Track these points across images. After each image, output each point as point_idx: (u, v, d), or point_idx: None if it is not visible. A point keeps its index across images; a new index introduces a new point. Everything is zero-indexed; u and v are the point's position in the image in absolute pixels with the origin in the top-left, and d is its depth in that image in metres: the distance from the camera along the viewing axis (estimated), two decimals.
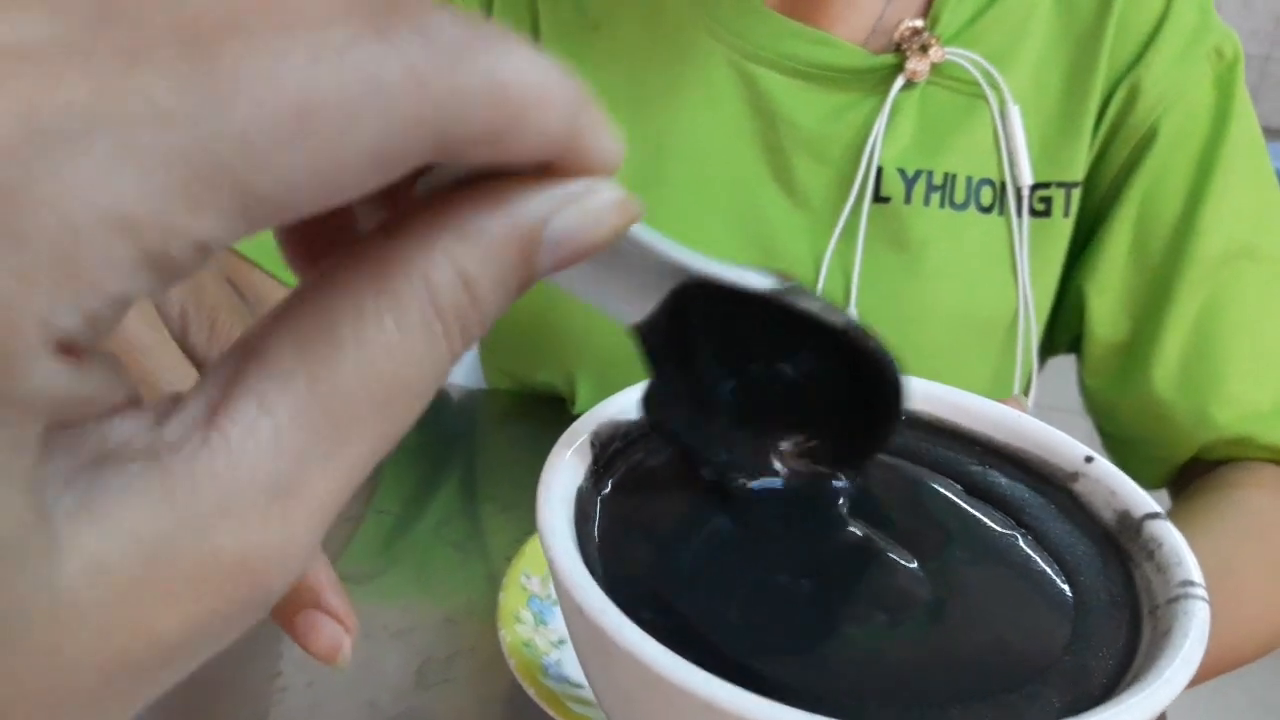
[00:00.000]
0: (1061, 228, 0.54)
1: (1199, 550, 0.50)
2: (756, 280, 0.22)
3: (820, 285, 0.53)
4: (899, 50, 0.52)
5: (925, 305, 0.53)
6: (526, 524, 0.49)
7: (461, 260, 0.13)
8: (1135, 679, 0.22)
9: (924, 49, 0.51)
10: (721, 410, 0.26)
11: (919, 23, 0.52)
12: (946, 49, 0.51)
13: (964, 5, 0.52)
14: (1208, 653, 0.47)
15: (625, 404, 0.28)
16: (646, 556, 0.25)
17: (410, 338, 0.13)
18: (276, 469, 0.12)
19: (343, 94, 0.11)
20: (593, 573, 0.22)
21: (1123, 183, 0.54)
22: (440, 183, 0.15)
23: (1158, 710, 0.21)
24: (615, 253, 0.20)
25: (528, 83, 0.13)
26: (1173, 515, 0.49)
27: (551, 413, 0.61)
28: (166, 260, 0.11)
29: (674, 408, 0.25)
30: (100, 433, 0.12)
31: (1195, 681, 0.48)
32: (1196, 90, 0.53)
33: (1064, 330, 0.58)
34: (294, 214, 0.12)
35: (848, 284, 0.53)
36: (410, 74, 0.12)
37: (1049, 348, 0.60)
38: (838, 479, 0.27)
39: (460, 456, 0.60)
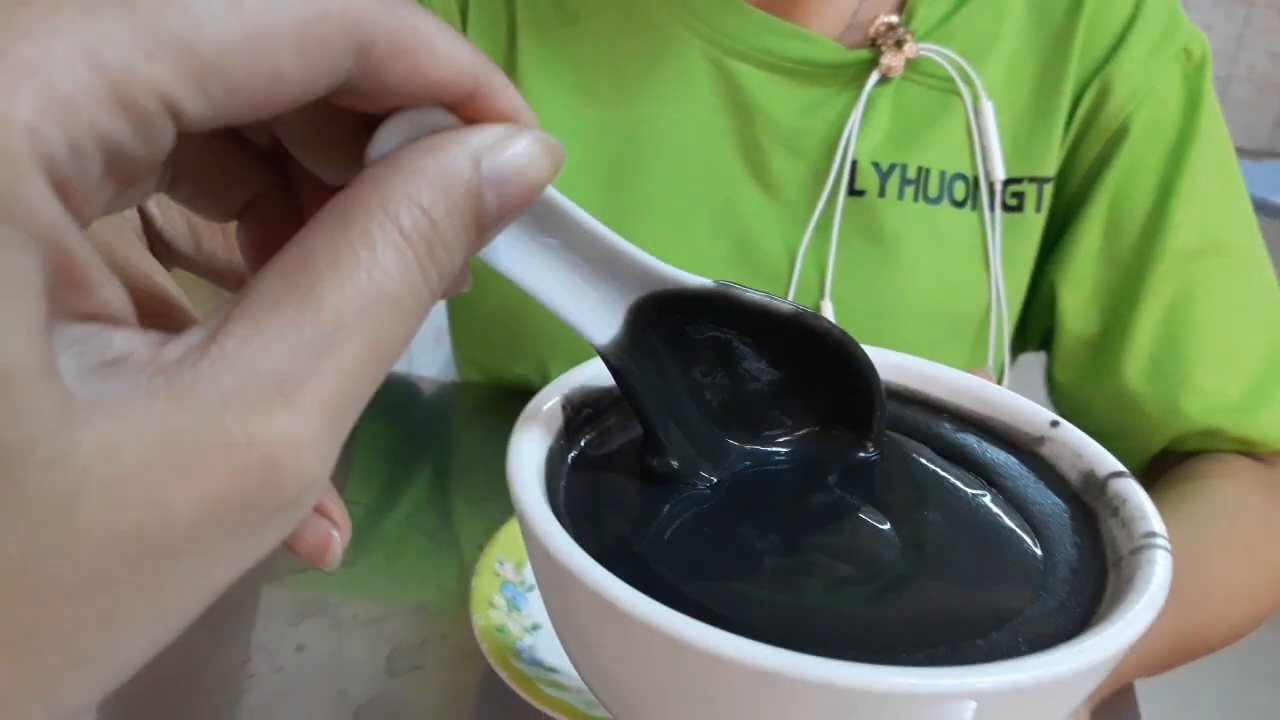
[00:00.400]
0: (1034, 222, 0.54)
1: (1172, 540, 0.50)
2: (697, 282, 0.23)
3: (795, 277, 0.53)
4: (874, 45, 0.52)
5: (899, 298, 0.53)
6: (499, 514, 0.49)
7: (414, 194, 0.15)
8: (1099, 623, 0.22)
9: (899, 44, 0.52)
10: (703, 420, 0.26)
11: (894, 18, 0.52)
12: (921, 45, 0.52)
13: (939, 2, 0.53)
14: (1179, 638, 0.47)
15: (597, 370, 0.28)
16: (615, 510, 0.25)
17: (383, 258, 0.15)
18: (275, 369, 0.13)
19: None
20: (561, 523, 0.22)
21: (1094, 179, 0.54)
22: (386, 151, 0.17)
23: (1121, 648, 0.21)
24: (573, 249, 0.22)
25: (435, 20, 0.16)
26: None
27: (523, 407, 0.61)
28: (135, 107, 0.12)
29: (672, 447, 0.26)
30: (104, 341, 0.13)
31: (1168, 668, 0.48)
32: (1166, 88, 0.53)
33: (1035, 324, 0.58)
34: (240, 96, 0.13)
35: (822, 277, 0.53)
36: None
37: (1020, 343, 0.60)
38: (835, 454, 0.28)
39: (432, 450, 0.59)
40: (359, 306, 0.14)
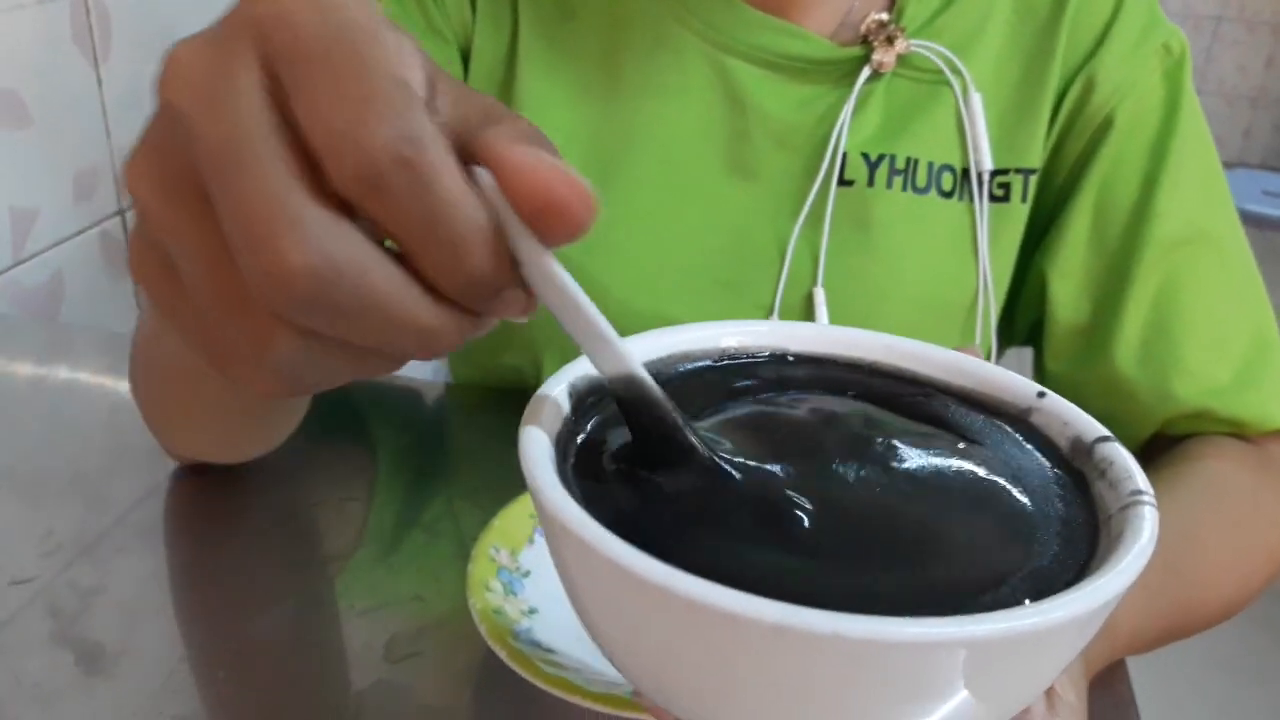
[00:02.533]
0: (1019, 213, 0.55)
1: (1164, 518, 0.51)
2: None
3: (786, 266, 0.54)
4: (866, 42, 0.53)
5: (888, 285, 0.54)
6: (494, 506, 0.49)
7: None
8: (1092, 574, 0.22)
9: (890, 41, 0.53)
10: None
11: (885, 15, 0.53)
12: (911, 41, 0.53)
13: (927, 0, 0.54)
14: (1173, 614, 0.47)
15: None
16: (624, 485, 0.25)
17: None
18: None
19: None
20: (573, 498, 0.22)
21: (1081, 171, 0.55)
22: None
23: (1112, 595, 0.21)
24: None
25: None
26: None
27: (516, 405, 0.61)
28: None
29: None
30: None
31: (1162, 643, 0.48)
32: (1148, 83, 0.54)
33: (1024, 316, 0.59)
34: None
35: (814, 266, 0.54)
36: None
37: (1008, 334, 0.61)
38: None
39: (428, 449, 0.59)
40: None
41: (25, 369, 0.67)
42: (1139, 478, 0.26)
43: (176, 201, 0.19)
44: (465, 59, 0.55)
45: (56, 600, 0.45)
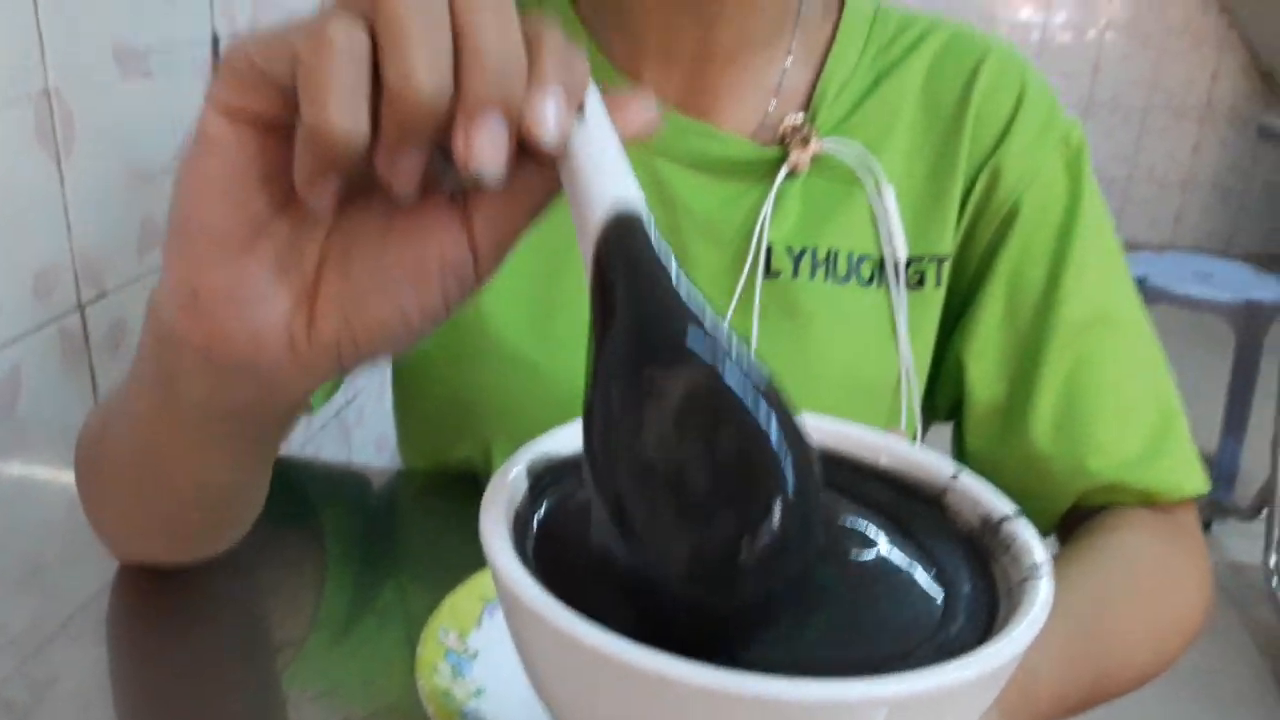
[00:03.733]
0: (935, 297, 0.59)
1: (1081, 588, 0.53)
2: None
3: None
4: (783, 144, 0.57)
5: (817, 369, 0.57)
6: (445, 591, 0.51)
7: None
8: (990, 641, 0.25)
9: (805, 142, 0.57)
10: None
11: (800, 118, 0.58)
12: (825, 140, 0.57)
13: (840, 102, 0.59)
14: (1092, 681, 0.50)
15: (558, 440, 0.32)
16: (576, 561, 0.28)
17: None
18: None
19: None
20: (529, 573, 0.24)
21: (991, 257, 0.59)
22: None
23: (1006, 660, 0.24)
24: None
25: None
26: (1058, 559, 0.53)
27: (466, 491, 0.63)
28: None
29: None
30: None
31: (1084, 709, 0.50)
32: (1050, 173, 0.59)
33: (944, 396, 0.63)
34: None
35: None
36: None
37: (931, 413, 0.64)
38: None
39: (378, 534, 0.61)
40: None
41: None
42: (1038, 553, 0.28)
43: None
44: None
45: (9, 694, 0.46)
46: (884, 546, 0.30)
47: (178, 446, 0.39)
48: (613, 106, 0.29)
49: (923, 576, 0.29)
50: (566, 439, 0.32)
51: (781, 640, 0.26)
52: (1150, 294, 2.23)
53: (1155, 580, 0.54)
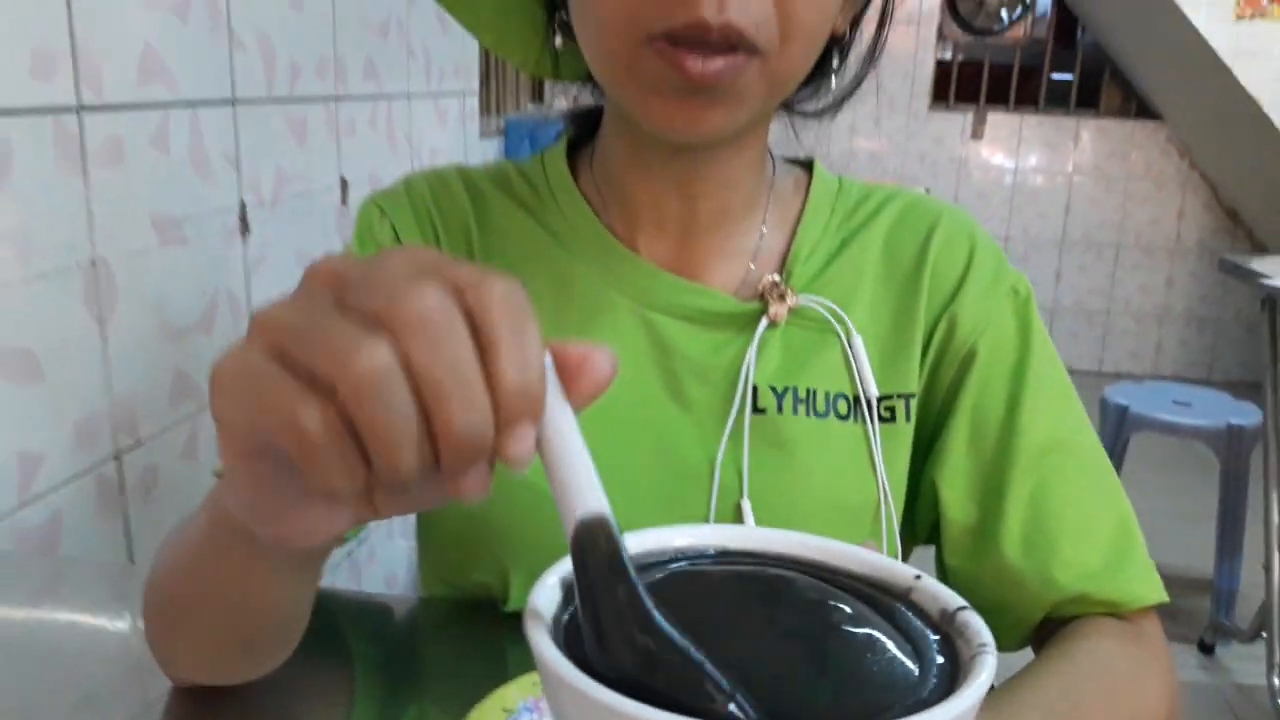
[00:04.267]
0: (905, 430, 0.66)
1: (1052, 687, 0.59)
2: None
3: (716, 480, 0.63)
4: (763, 299, 0.65)
5: (802, 496, 0.63)
6: (466, 711, 0.55)
7: None
8: (944, 702, 0.31)
9: (782, 297, 0.65)
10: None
11: (777, 277, 0.66)
12: (800, 296, 0.65)
13: (811, 262, 0.67)
14: None
15: None
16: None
17: None
18: None
19: None
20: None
21: (955, 395, 0.66)
22: None
23: (962, 711, 0.30)
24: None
25: None
26: (1032, 665, 0.58)
27: (483, 617, 0.68)
28: None
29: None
30: None
31: None
32: (1001, 319, 0.66)
33: (924, 518, 0.68)
34: None
35: (740, 480, 0.63)
36: None
37: (911, 535, 0.70)
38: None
39: (400, 661, 0.65)
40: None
41: (23, 599, 0.72)
42: (984, 635, 0.34)
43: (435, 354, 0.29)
44: None
45: None
46: (869, 625, 0.36)
47: (256, 576, 0.45)
48: (566, 378, 0.34)
49: (895, 654, 0.35)
50: None
51: (785, 696, 0.31)
52: (1133, 422, 2.31)
53: (1122, 682, 0.59)
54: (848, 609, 0.37)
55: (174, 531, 0.54)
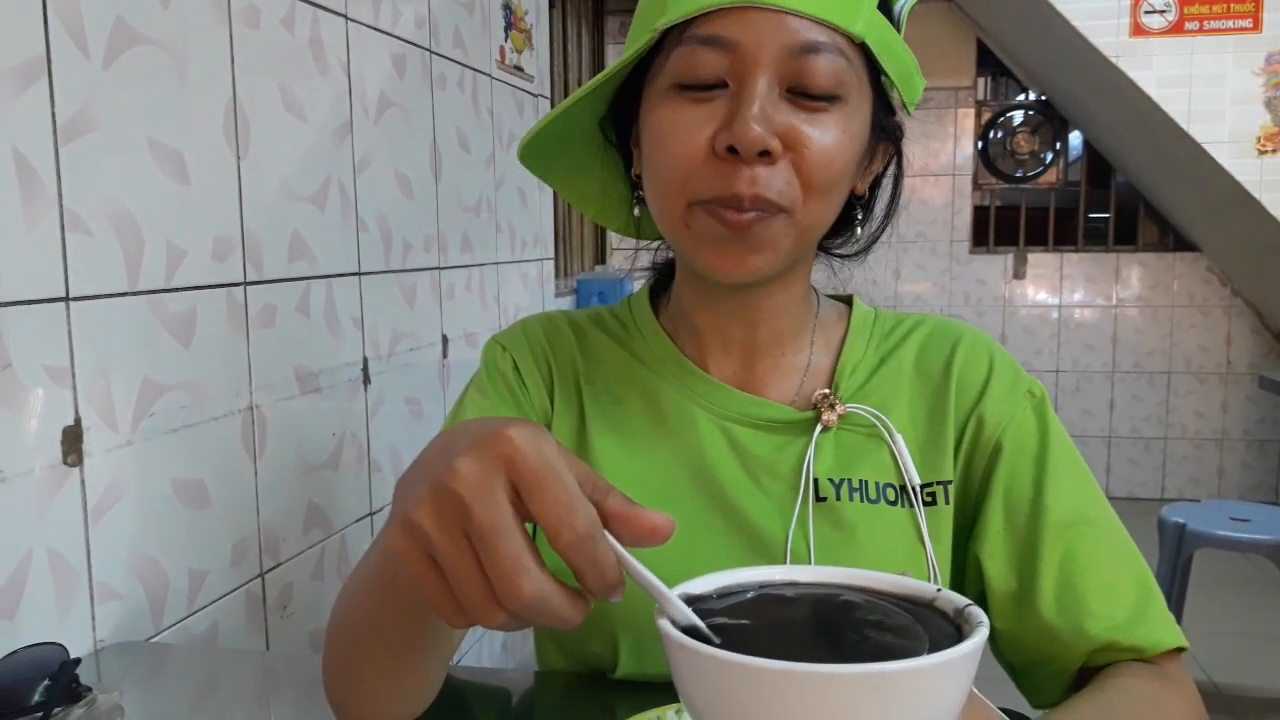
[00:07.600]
0: (946, 512, 0.78)
1: (1087, 714, 0.70)
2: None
3: (788, 559, 0.76)
4: (815, 408, 0.80)
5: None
6: None
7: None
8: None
9: (832, 406, 0.79)
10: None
11: (826, 390, 0.80)
12: (847, 404, 0.79)
13: (855, 377, 0.81)
14: None
15: (695, 585, 0.51)
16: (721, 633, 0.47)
17: None
18: None
19: None
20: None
21: (988, 482, 0.79)
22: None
23: (966, 653, 0.42)
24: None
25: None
26: (1071, 703, 0.68)
27: (593, 688, 0.80)
28: None
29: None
30: None
31: None
32: (1022, 417, 0.80)
33: (971, 589, 0.79)
34: None
35: (808, 554, 0.76)
36: None
37: None
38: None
39: None
40: None
41: (192, 684, 0.86)
42: (980, 617, 0.47)
43: (451, 537, 0.44)
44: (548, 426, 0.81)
45: None
46: (902, 621, 0.49)
47: (418, 632, 0.60)
48: (628, 535, 0.47)
49: (924, 633, 0.47)
50: (699, 584, 0.52)
51: (838, 657, 0.43)
52: (1191, 539, 2.34)
53: (1142, 705, 0.68)
54: (891, 610, 0.50)
55: (349, 580, 0.68)
